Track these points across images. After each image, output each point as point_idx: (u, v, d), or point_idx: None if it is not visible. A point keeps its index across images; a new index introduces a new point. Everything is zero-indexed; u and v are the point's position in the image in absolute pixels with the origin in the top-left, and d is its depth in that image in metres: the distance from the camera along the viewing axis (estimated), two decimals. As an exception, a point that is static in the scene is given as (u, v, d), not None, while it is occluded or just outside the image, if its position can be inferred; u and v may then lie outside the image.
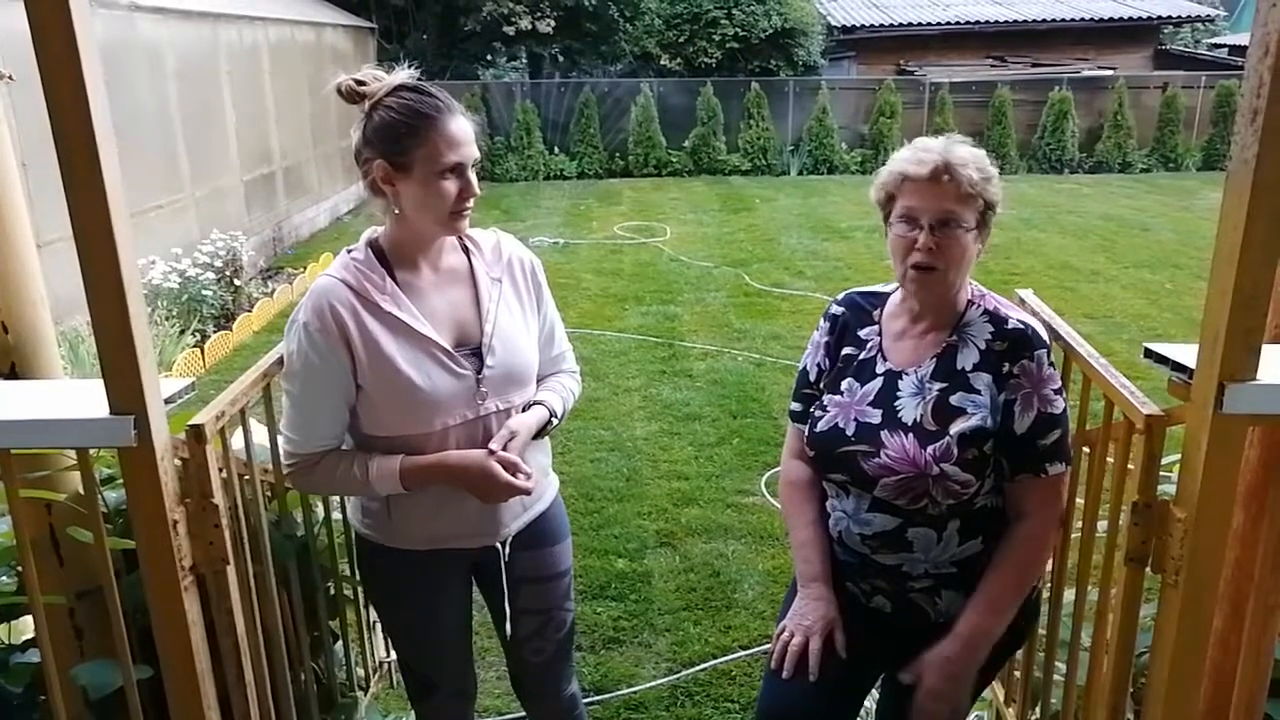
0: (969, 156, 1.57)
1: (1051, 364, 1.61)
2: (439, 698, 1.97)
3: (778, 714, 1.72)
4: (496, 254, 1.77)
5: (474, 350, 1.69)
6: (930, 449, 1.56)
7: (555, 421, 1.80)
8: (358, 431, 1.70)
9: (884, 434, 1.61)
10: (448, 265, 1.73)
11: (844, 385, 1.70)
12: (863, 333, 1.74)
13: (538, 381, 1.82)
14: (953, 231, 1.56)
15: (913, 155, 1.59)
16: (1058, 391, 1.60)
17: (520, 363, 1.74)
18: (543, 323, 1.83)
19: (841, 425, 1.66)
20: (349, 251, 1.68)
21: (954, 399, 1.58)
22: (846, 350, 1.73)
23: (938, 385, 1.61)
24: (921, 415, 1.59)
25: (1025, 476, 1.60)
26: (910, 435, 1.58)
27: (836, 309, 1.79)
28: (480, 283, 1.73)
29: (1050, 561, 1.89)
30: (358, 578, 2.07)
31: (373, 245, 1.68)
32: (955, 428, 1.56)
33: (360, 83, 1.59)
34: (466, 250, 1.75)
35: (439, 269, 1.72)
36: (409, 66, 1.63)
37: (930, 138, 1.62)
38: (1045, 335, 1.62)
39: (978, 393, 1.58)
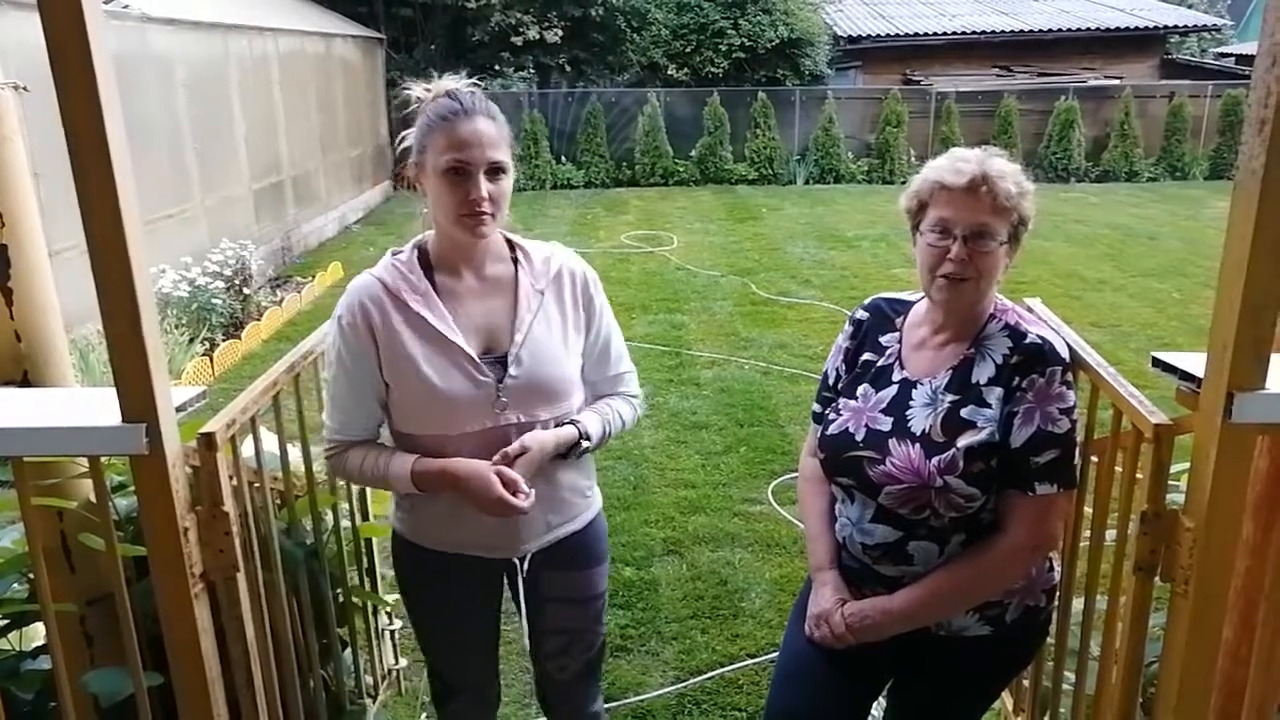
0: (1007, 169, 1.56)
1: (1066, 383, 1.55)
2: (458, 701, 1.98)
3: (785, 716, 1.75)
4: (545, 266, 1.77)
5: (499, 358, 1.69)
6: (935, 460, 1.55)
7: (587, 445, 1.73)
8: (390, 426, 1.75)
9: (891, 442, 1.60)
10: (493, 274, 1.74)
11: (860, 390, 1.70)
12: (884, 339, 1.73)
13: (595, 400, 1.82)
14: (985, 244, 1.54)
15: (950, 165, 1.57)
16: (1065, 411, 1.54)
17: (549, 376, 1.70)
18: (595, 340, 1.81)
19: (852, 430, 1.66)
20: (394, 253, 1.73)
21: (964, 412, 1.57)
22: (866, 356, 1.74)
23: (950, 397, 1.59)
24: (931, 426, 1.59)
25: (1013, 492, 1.55)
26: (917, 445, 1.58)
27: (861, 314, 1.79)
28: (521, 293, 1.73)
29: (1059, 570, 1.89)
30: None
31: (419, 248, 1.73)
32: (962, 441, 1.55)
33: (426, 90, 1.67)
34: (516, 261, 1.76)
35: (484, 277, 1.73)
36: (464, 75, 1.69)
37: (967, 149, 1.60)
38: (1065, 353, 1.58)
39: (989, 406, 1.56)
